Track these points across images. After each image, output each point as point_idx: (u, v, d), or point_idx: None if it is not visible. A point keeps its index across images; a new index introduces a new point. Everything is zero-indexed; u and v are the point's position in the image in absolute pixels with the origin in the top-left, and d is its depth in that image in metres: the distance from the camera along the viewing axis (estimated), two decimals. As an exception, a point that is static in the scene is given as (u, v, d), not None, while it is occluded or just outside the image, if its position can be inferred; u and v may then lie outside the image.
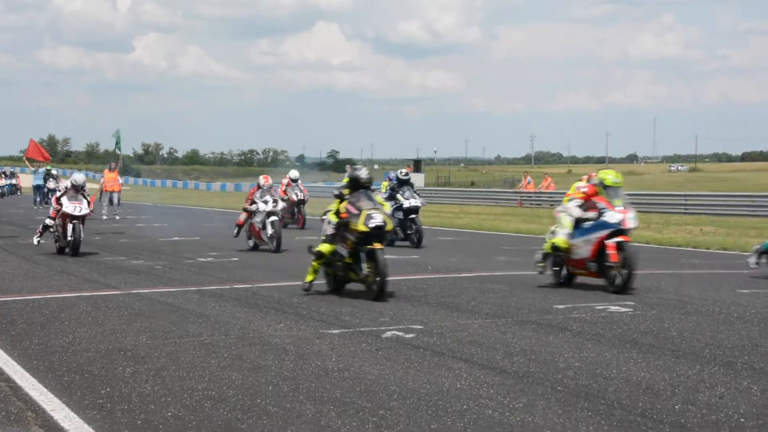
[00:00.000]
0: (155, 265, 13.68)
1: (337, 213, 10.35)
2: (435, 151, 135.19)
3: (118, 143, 30.39)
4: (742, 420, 5.16)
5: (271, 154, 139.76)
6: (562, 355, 6.92)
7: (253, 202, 16.63)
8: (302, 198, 23.42)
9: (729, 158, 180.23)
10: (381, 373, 6.28)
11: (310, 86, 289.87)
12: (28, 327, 8.16)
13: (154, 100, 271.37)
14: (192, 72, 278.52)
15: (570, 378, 6.15)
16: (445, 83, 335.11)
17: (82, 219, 15.37)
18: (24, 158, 41.64)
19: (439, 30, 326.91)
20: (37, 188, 36.75)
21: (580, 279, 11.36)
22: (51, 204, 17.24)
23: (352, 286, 10.51)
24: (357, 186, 10.45)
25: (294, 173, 24.02)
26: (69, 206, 15.27)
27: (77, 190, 15.61)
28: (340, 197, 10.42)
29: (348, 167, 37.60)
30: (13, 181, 50.93)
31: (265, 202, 16.50)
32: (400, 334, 7.80)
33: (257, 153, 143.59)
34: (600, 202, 10.93)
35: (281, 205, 17.11)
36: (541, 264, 11.47)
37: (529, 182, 40.40)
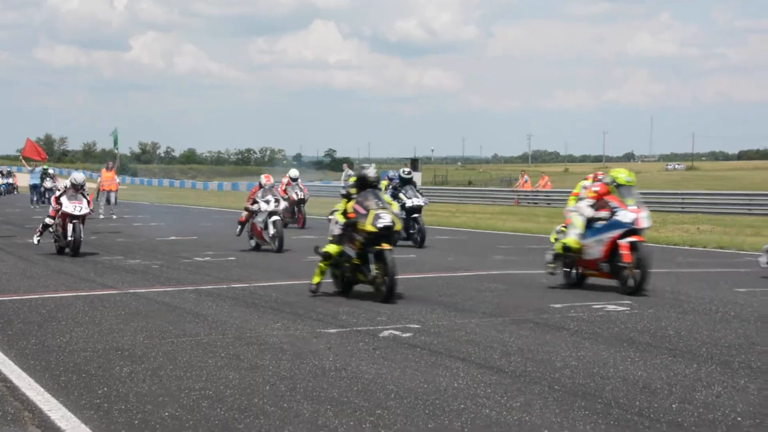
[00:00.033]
0: (152, 265, 13.66)
1: (345, 213, 10.11)
2: (432, 150, 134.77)
3: (116, 142, 30.42)
4: (739, 419, 5.17)
5: (268, 153, 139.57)
6: (559, 354, 6.92)
7: (255, 202, 16.57)
8: (302, 197, 23.34)
9: (726, 157, 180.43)
10: (378, 372, 6.28)
11: (307, 85, 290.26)
12: (25, 327, 8.15)
13: (151, 99, 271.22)
14: (189, 70, 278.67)
15: (567, 377, 6.16)
16: (442, 82, 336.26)
17: (82, 219, 15.22)
18: (21, 157, 41.58)
19: (436, 28, 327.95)
20: (34, 187, 36.69)
21: (590, 279, 11.15)
22: (48, 203, 17.11)
23: (359, 287, 10.30)
24: (364, 185, 10.19)
25: (294, 172, 23.95)
26: (69, 206, 15.09)
27: (77, 189, 15.40)
28: (347, 197, 10.18)
29: (345, 166, 37.83)
30: (10, 181, 50.76)
31: (267, 202, 16.44)
32: (397, 333, 7.81)
33: (254, 152, 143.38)
34: (612, 201, 10.68)
35: (283, 204, 17.08)
36: (552, 265, 11.24)
37: (526, 181, 40.38)
